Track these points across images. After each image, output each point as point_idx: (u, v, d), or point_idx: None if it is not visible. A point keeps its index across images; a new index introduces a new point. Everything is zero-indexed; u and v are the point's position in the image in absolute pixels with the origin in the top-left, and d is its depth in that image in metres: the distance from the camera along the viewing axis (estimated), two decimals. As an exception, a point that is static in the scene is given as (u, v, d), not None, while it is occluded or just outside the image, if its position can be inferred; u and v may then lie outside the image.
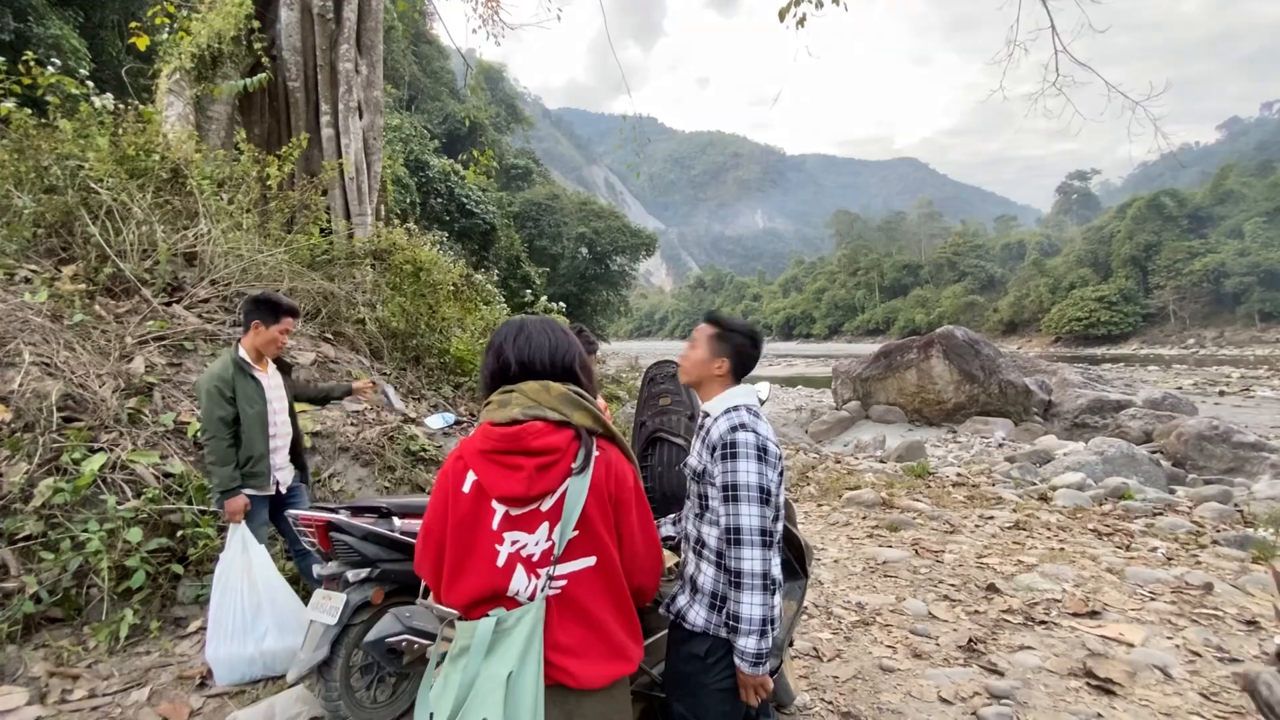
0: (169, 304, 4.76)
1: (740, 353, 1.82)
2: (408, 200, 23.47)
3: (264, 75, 7.12)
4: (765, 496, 1.59)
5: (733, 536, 1.58)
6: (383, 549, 2.48)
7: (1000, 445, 12.95)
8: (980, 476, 8.92)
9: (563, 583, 1.26)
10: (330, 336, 5.52)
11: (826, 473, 8.79)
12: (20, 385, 3.47)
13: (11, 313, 3.88)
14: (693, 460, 1.77)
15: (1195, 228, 62.67)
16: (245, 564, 2.76)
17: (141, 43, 7.94)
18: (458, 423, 3.34)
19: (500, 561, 1.25)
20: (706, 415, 1.78)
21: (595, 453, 1.30)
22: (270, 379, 3.05)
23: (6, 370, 3.55)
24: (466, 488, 1.29)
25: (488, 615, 1.23)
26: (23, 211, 4.68)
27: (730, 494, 1.60)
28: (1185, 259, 59.46)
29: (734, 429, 1.64)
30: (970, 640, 3.41)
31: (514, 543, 1.25)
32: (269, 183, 6.13)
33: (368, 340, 5.81)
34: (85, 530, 3.04)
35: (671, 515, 2.15)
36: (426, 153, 29.38)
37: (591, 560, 1.27)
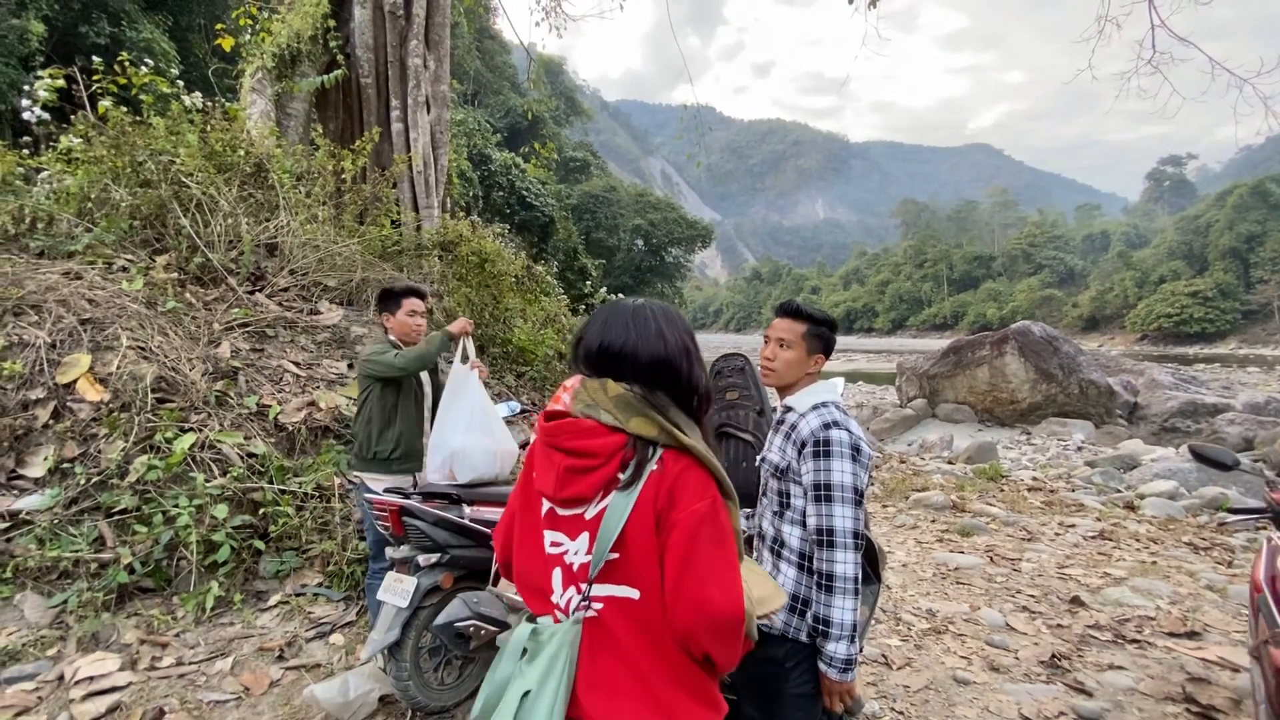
0: (252, 292, 4.99)
1: (830, 344, 1.75)
2: (470, 194, 24.03)
3: (340, 71, 7.37)
4: (858, 498, 1.54)
5: (825, 538, 1.52)
6: (453, 535, 2.52)
7: (1079, 449, 12.18)
8: (1058, 481, 8.40)
9: (599, 606, 1.08)
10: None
11: (891, 473, 8.48)
12: (118, 368, 3.71)
13: (110, 299, 4.14)
14: (774, 456, 1.69)
15: (1307, 217, 57.18)
16: (473, 382, 2.87)
17: (226, 44, 8.37)
18: (522, 412, 3.36)
19: (543, 555, 1.15)
20: (789, 410, 1.70)
21: (652, 467, 1.07)
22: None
23: (106, 354, 3.80)
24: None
25: (533, 620, 1.14)
26: (120, 204, 5.00)
27: (823, 494, 1.53)
28: (1294, 251, 54.36)
29: (827, 426, 1.57)
30: (1054, 656, 3.19)
31: (553, 543, 1.14)
32: (343, 176, 6.34)
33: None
34: (176, 506, 3.22)
35: (744, 510, 2.08)
36: (489, 146, 29.99)
37: (633, 593, 1.06)
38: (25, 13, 13.85)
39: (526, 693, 1.03)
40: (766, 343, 1.80)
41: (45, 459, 3.27)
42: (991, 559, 4.73)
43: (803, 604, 1.60)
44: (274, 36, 7.81)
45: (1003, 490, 7.52)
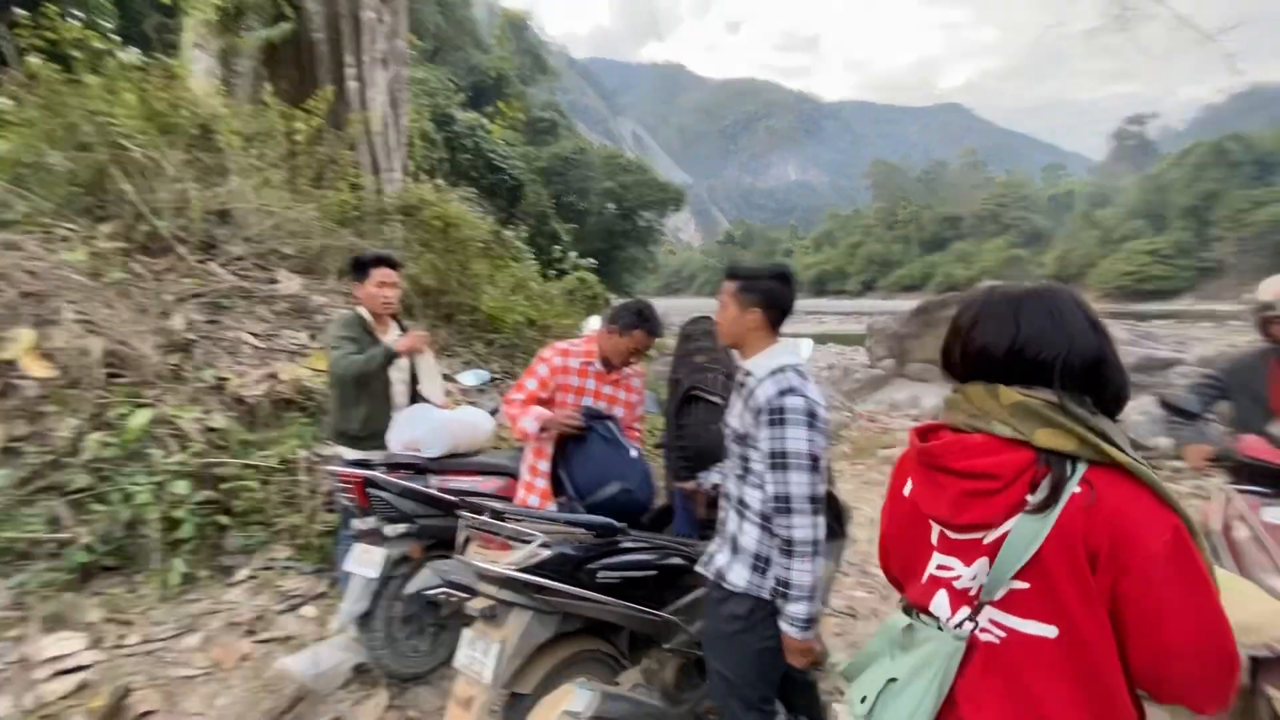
0: (204, 261, 4.79)
1: (771, 297, 1.70)
2: (435, 156, 23.28)
3: (289, 25, 6.96)
4: (814, 464, 1.55)
5: (782, 505, 1.54)
6: (420, 505, 2.50)
7: (1041, 404, 12.57)
8: (1020, 436, 8.69)
9: (1001, 634, 0.96)
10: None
11: (860, 431, 8.67)
12: (64, 343, 3.55)
13: (51, 271, 3.93)
14: (734, 422, 1.69)
15: (1263, 175, 58.65)
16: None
17: (162, -6, 7.84)
18: (492, 380, 3.32)
19: (923, 579, 1.07)
20: (749, 375, 1.69)
21: (1074, 489, 0.91)
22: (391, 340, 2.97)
23: (49, 328, 3.62)
24: (907, 491, 1.11)
25: (911, 613, 1.08)
26: (56, 170, 4.72)
27: (778, 461, 1.54)
28: (1249, 209, 55.90)
29: (782, 393, 1.57)
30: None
31: (941, 566, 1.04)
32: (296, 138, 6.06)
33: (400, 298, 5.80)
34: (134, 483, 3.13)
35: (715, 467, 2.12)
36: (452, 106, 28.93)
37: (1050, 630, 0.93)
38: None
39: (893, 679, 1.01)
40: None
41: (-9, 439, 3.14)
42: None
43: (764, 562, 1.62)
44: (216, -14, 7.33)
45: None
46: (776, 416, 1.56)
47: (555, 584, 1.73)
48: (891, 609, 3.27)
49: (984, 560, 0.97)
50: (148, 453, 3.28)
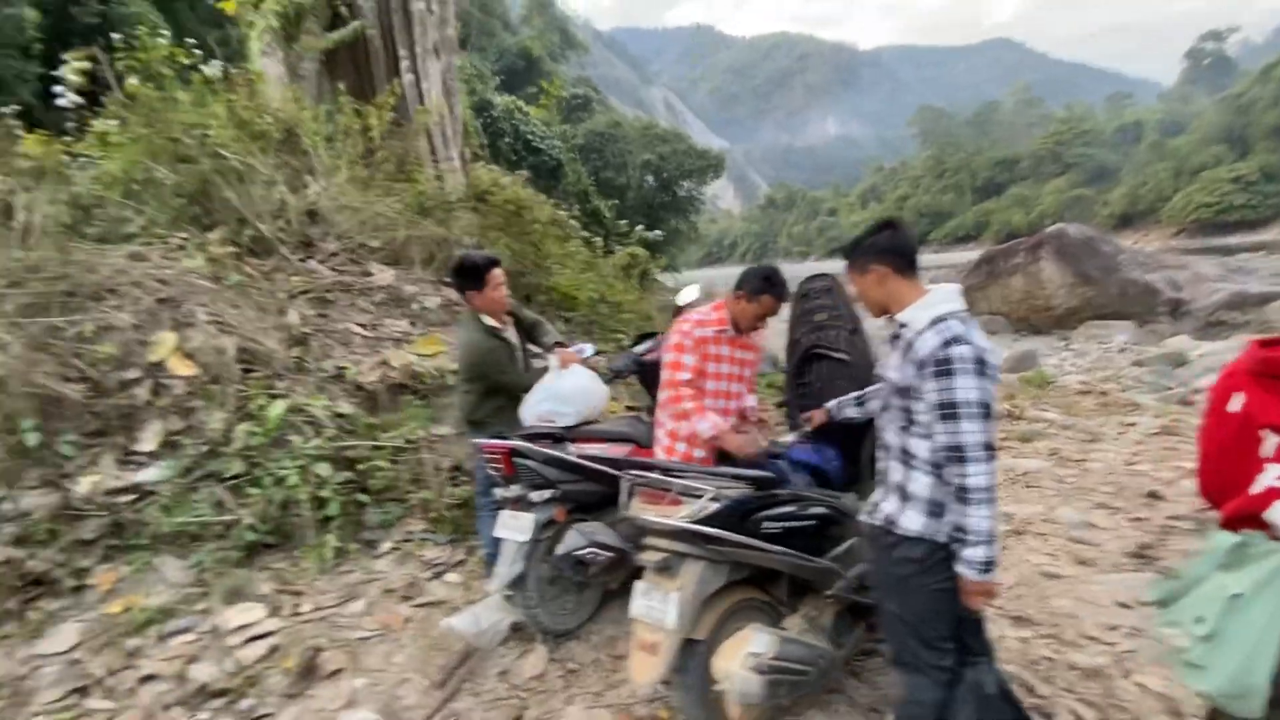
0: (304, 259, 5.05)
1: (881, 248, 1.74)
2: (477, 142, 23.50)
3: (358, 24, 7.14)
4: (985, 411, 1.57)
5: (954, 454, 1.57)
6: (562, 471, 2.63)
7: (1122, 350, 11.99)
8: (1108, 383, 8.34)
9: None
10: (449, 280, 5.72)
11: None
12: (201, 343, 3.83)
13: (178, 278, 4.23)
14: (893, 375, 1.72)
15: (1361, 84, 53.26)
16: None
17: (229, 6, 8.12)
18: (598, 353, 3.43)
19: (1256, 488, 1.12)
20: (904, 327, 1.72)
21: None
22: (512, 335, 3.13)
23: (187, 330, 3.91)
24: (1234, 407, 1.18)
25: (1239, 533, 1.15)
26: (164, 183, 5.03)
27: (948, 412, 1.57)
28: (1347, 124, 50.98)
29: (947, 343, 1.58)
30: (1139, 546, 3.28)
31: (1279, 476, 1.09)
32: (371, 134, 6.26)
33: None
34: (281, 468, 3.39)
35: (852, 396, 2.18)
36: (489, 91, 29.06)
37: None
38: (18, 0, 13.52)
39: (1236, 595, 1.08)
40: None
41: (155, 434, 3.44)
42: (1059, 461, 4.78)
43: (939, 508, 1.66)
44: (275, -5, 7.55)
45: (1052, 395, 7.50)
46: (943, 367, 1.58)
47: (727, 535, 1.81)
48: (1010, 556, 3.26)
49: None
50: (289, 440, 3.54)
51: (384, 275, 5.21)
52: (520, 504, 2.62)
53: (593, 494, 2.75)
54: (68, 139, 5.43)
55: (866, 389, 2.19)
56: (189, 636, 2.74)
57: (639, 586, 1.92)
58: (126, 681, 2.50)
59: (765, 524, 1.89)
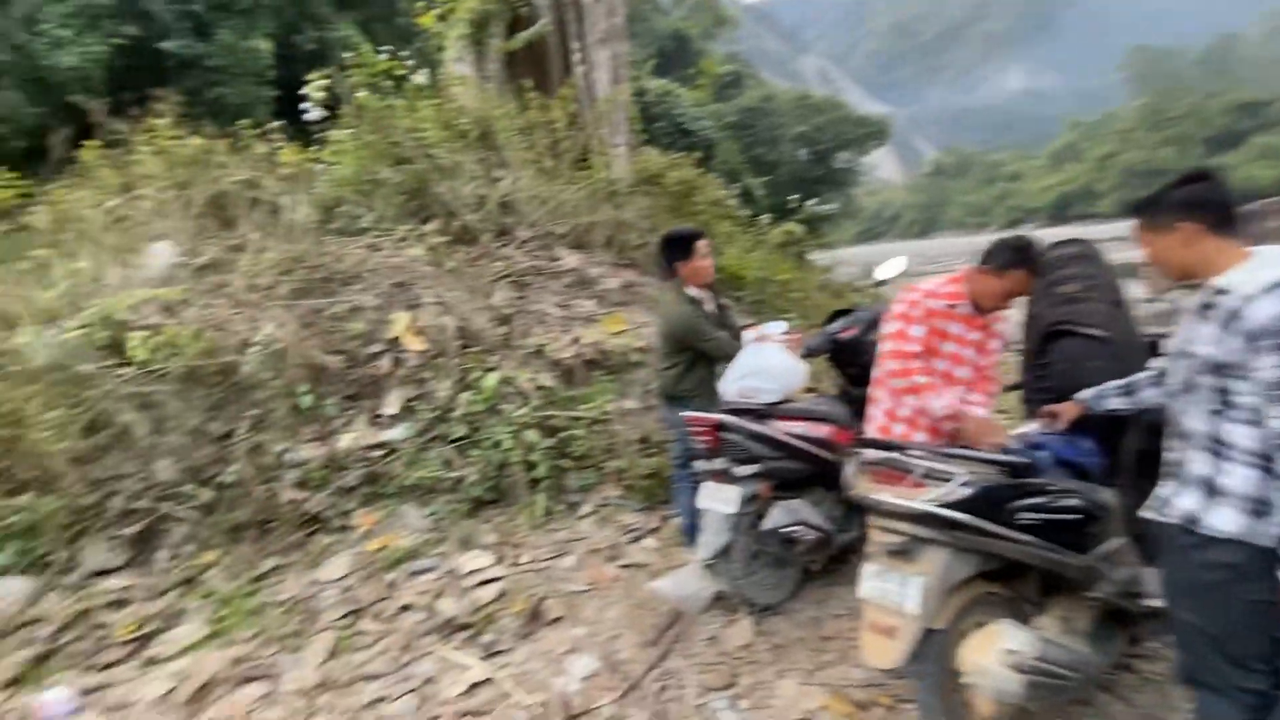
0: (502, 246, 5.52)
1: (1190, 202, 1.48)
2: (639, 128, 24.04)
3: (544, 22, 7.59)
4: None
5: None
6: (767, 447, 2.63)
7: None
8: None
9: None
10: (628, 262, 5.95)
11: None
12: (428, 321, 4.35)
13: (407, 265, 4.83)
14: (1205, 349, 1.48)
15: None
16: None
17: (427, 20, 9.04)
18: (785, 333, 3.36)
19: None
20: (1221, 293, 1.47)
21: None
22: (713, 309, 3.23)
23: (416, 310, 4.46)
24: None
25: None
26: (388, 182, 5.74)
27: None
28: None
29: None
30: None
31: None
32: (554, 126, 6.64)
33: (656, 262, 6.14)
34: (497, 433, 3.77)
35: (1115, 384, 1.92)
36: (643, 77, 29.55)
37: None
38: (254, 34, 16.10)
39: None
40: None
41: (396, 400, 3.98)
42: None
43: (1264, 506, 1.42)
44: (465, 2, 8.25)
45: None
46: None
47: (980, 522, 1.69)
48: None
49: None
50: (501, 408, 3.91)
51: (570, 259, 5.53)
52: (724, 477, 2.66)
53: (796, 472, 2.72)
54: (313, 148, 6.42)
55: (1134, 374, 1.92)
56: (432, 576, 3.15)
57: (869, 568, 1.86)
58: (389, 609, 2.93)
59: (1021, 514, 1.73)
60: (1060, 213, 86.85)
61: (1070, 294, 2.29)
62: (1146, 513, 1.61)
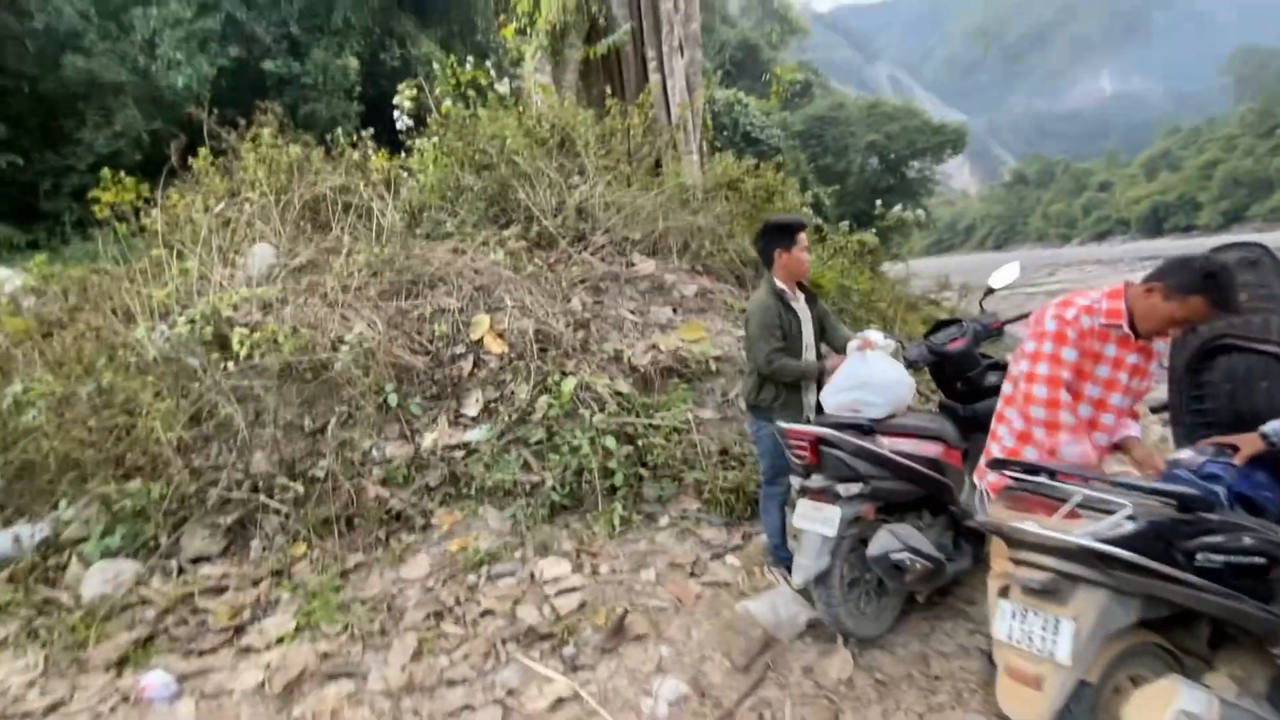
0: (579, 252, 5.51)
1: None
2: (710, 134, 24.03)
3: (625, 29, 7.64)
4: None
5: None
6: (872, 465, 2.45)
7: None
8: None
9: None
10: (703, 269, 5.83)
11: None
12: (508, 325, 4.36)
13: (488, 269, 4.87)
14: None
15: None
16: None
17: (508, 33, 9.26)
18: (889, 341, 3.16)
19: None
20: None
21: None
22: (802, 308, 3.08)
23: (497, 314, 4.49)
24: None
25: None
26: (471, 189, 5.85)
27: None
28: None
29: None
30: None
31: None
32: (632, 134, 6.63)
33: (731, 269, 6.01)
34: (574, 438, 3.71)
35: None
36: (711, 86, 29.49)
37: None
38: (344, 53, 16.97)
39: None
40: None
41: (477, 401, 4.00)
42: None
43: None
44: (544, 14, 8.40)
45: None
46: None
47: (1150, 563, 1.48)
48: None
49: None
50: (579, 413, 3.86)
51: (646, 265, 5.46)
52: (824, 496, 2.49)
53: (903, 493, 2.53)
54: (402, 155, 6.63)
55: None
56: (512, 580, 3.10)
57: (1007, 606, 1.67)
58: (470, 613, 2.90)
59: (1198, 555, 1.50)
60: (1154, 224, 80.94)
61: (1239, 304, 2.02)
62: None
